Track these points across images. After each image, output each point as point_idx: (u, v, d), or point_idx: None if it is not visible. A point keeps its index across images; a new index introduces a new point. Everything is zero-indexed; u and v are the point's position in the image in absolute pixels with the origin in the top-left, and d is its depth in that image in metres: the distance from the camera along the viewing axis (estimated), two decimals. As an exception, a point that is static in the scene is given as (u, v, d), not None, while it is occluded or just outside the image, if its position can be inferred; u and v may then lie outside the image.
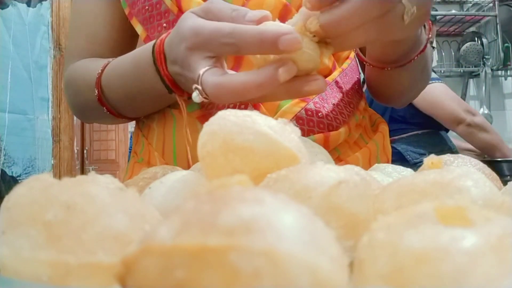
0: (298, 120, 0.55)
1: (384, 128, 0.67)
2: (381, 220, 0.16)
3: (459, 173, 0.23)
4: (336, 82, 0.59)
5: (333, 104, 0.58)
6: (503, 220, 0.16)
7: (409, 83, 0.61)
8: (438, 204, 0.16)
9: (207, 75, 0.39)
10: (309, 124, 0.55)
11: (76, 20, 0.67)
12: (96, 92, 0.56)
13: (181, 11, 0.56)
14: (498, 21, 2.63)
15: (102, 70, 0.56)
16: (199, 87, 0.40)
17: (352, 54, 0.65)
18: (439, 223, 0.16)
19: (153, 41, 0.49)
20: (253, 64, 0.54)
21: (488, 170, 0.33)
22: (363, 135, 0.63)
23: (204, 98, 0.40)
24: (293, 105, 0.55)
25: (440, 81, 1.71)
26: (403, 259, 0.14)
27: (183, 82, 0.47)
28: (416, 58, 0.52)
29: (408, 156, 1.63)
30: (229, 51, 0.39)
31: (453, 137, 1.82)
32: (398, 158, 1.61)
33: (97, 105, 0.57)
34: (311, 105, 0.56)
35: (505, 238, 0.14)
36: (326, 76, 0.60)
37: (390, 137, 1.73)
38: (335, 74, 0.60)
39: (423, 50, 0.52)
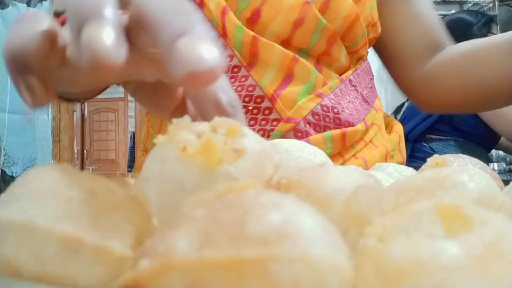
0: (314, 115, 0.55)
1: (400, 128, 0.67)
2: (375, 224, 0.16)
3: (455, 169, 0.23)
4: (350, 80, 0.60)
5: (348, 102, 0.58)
6: (497, 222, 0.15)
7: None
8: (437, 202, 0.16)
9: None
10: (325, 120, 0.55)
11: None
12: None
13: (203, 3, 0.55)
14: (498, 21, 2.63)
15: None
16: None
17: (366, 56, 0.65)
18: (436, 223, 0.15)
19: None
20: (269, 61, 0.54)
21: (489, 169, 0.33)
22: (379, 134, 0.63)
23: None
24: (308, 101, 0.55)
25: None
26: (385, 271, 0.14)
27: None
28: None
29: None
30: None
31: None
32: None
33: None
34: (326, 101, 0.56)
35: (492, 247, 0.14)
36: (341, 74, 0.60)
37: (429, 134, 1.64)
38: (348, 73, 0.60)
39: None
